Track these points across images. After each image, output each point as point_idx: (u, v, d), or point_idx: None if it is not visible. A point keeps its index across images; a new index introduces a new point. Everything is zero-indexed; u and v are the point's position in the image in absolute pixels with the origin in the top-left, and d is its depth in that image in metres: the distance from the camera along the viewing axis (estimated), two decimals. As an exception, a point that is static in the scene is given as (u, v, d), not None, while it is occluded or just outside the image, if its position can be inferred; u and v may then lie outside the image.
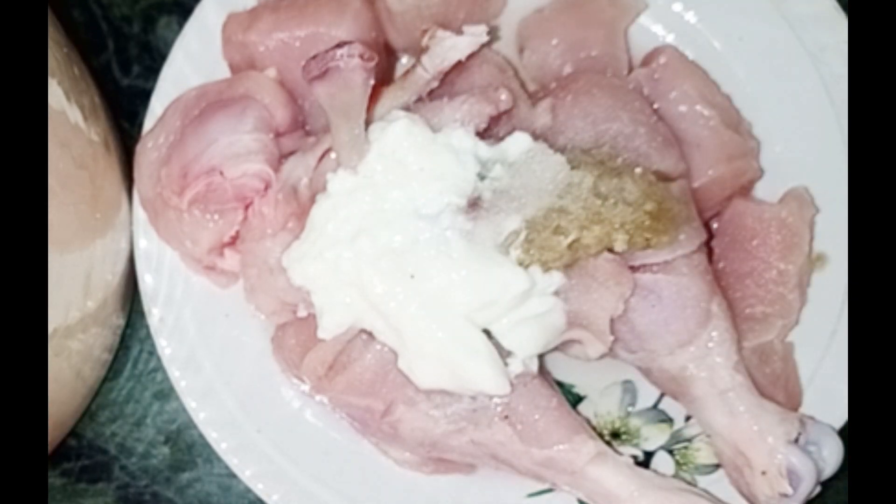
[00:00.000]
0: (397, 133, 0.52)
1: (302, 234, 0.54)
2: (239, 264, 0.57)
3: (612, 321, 0.52)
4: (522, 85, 0.58)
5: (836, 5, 0.58)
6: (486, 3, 0.60)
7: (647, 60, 0.60)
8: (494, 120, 0.55)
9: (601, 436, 0.57)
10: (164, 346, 0.59)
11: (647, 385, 0.59)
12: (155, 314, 0.59)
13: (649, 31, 0.61)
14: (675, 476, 0.57)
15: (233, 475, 0.58)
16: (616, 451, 0.55)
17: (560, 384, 0.59)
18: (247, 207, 0.56)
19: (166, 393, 0.65)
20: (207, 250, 0.57)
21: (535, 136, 0.54)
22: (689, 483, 0.56)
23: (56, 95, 0.50)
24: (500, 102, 0.55)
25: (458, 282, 0.50)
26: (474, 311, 0.51)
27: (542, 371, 0.54)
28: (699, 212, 0.55)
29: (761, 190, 0.60)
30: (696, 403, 0.55)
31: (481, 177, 0.52)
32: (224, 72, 0.60)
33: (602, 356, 0.54)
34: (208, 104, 0.57)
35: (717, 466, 0.57)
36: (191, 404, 0.58)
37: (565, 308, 0.52)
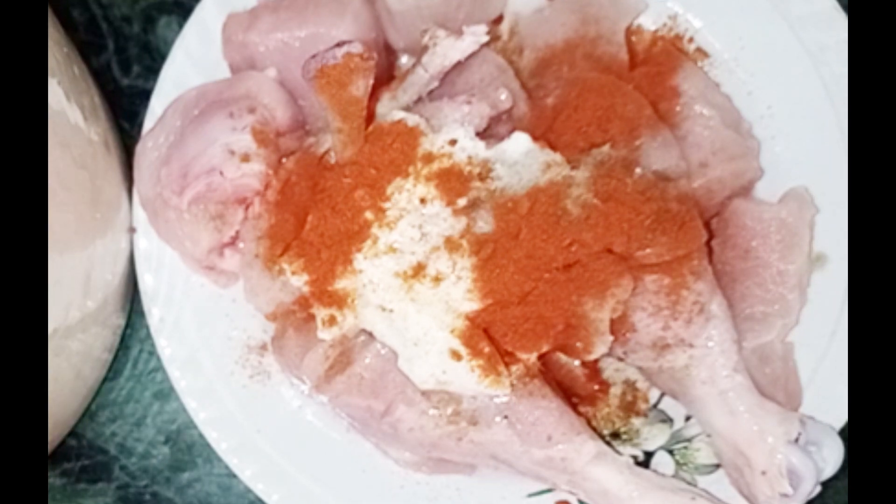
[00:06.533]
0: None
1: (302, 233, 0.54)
2: (239, 264, 0.57)
3: (611, 321, 0.52)
4: (522, 85, 0.58)
5: (836, 5, 0.58)
6: (486, 3, 0.60)
7: (647, 60, 0.60)
8: (494, 120, 0.55)
9: (601, 436, 0.57)
10: (164, 346, 0.59)
11: (647, 385, 0.59)
12: (155, 314, 0.59)
13: (649, 31, 0.61)
14: (675, 476, 0.57)
15: (233, 475, 0.58)
16: (616, 451, 0.55)
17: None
18: (247, 207, 0.56)
19: (166, 393, 0.65)
20: (207, 250, 0.56)
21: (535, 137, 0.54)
22: (689, 483, 0.56)
23: (56, 95, 0.50)
24: (500, 102, 0.55)
25: (458, 281, 0.50)
26: (475, 311, 0.51)
27: (542, 371, 0.54)
28: (699, 212, 0.55)
29: (761, 190, 0.59)
30: (696, 403, 0.55)
31: (481, 177, 0.52)
32: (224, 72, 0.60)
33: (602, 356, 0.54)
34: (208, 104, 0.57)
35: (717, 466, 0.57)
36: (191, 404, 0.58)
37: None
